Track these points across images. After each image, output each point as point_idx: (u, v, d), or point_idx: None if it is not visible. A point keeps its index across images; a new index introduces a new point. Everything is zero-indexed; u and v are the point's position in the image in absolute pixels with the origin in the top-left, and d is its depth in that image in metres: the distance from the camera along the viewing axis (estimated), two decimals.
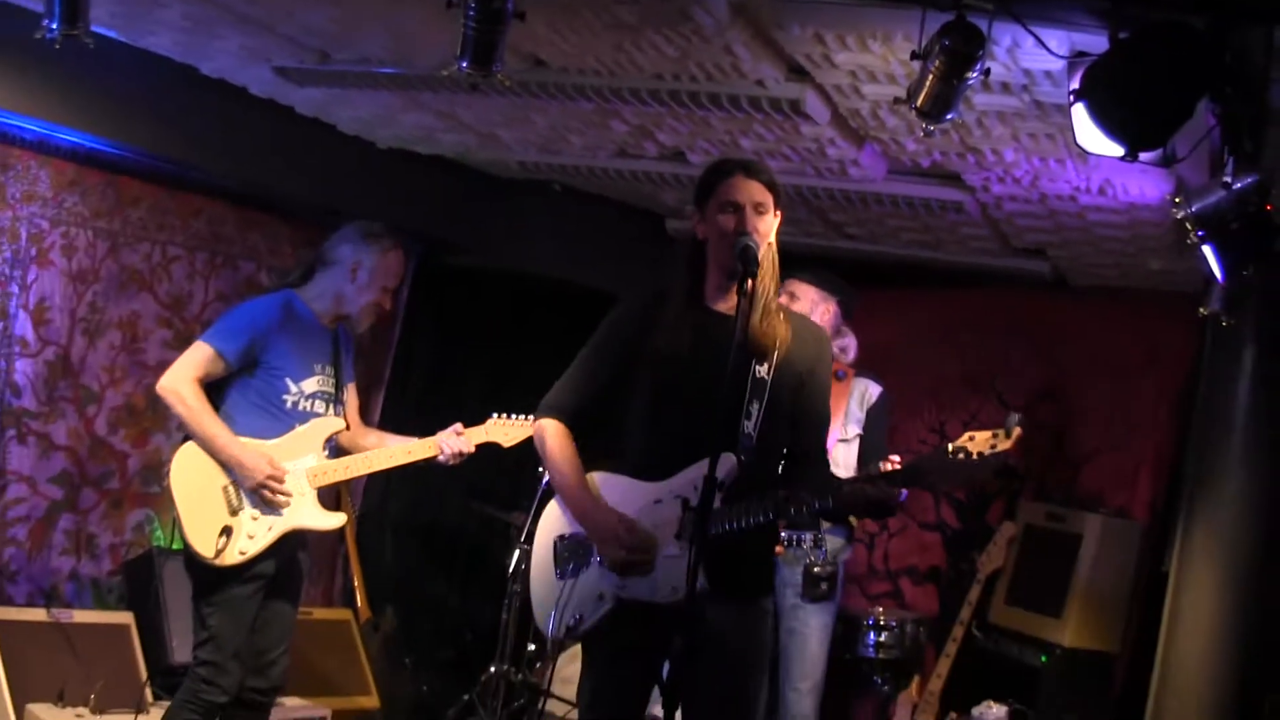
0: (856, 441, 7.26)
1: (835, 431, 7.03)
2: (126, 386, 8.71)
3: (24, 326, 8.15)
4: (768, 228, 4.98)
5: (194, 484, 6.27)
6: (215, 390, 6.42)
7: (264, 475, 6.21)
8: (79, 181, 8.30)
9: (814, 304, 7.18)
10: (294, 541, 6.47)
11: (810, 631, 7.15)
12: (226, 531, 6.19)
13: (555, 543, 5.25)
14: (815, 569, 6.96)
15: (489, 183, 9.66)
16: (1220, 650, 7.52)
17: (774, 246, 5.08)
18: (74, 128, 7.88)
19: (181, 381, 6.28)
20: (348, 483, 8.10)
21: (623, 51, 6.37)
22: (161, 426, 8.90)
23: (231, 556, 6.17)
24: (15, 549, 8.28)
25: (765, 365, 5.04)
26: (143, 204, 8.66)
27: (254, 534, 6.24)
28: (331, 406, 6.58)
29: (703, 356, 4.92)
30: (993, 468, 4.91)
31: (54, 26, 5.55)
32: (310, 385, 6.49)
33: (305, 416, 6.46)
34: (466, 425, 6.68)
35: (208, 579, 6.27)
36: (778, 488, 4.95)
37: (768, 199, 4.99)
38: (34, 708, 7.31)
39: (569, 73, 6.81)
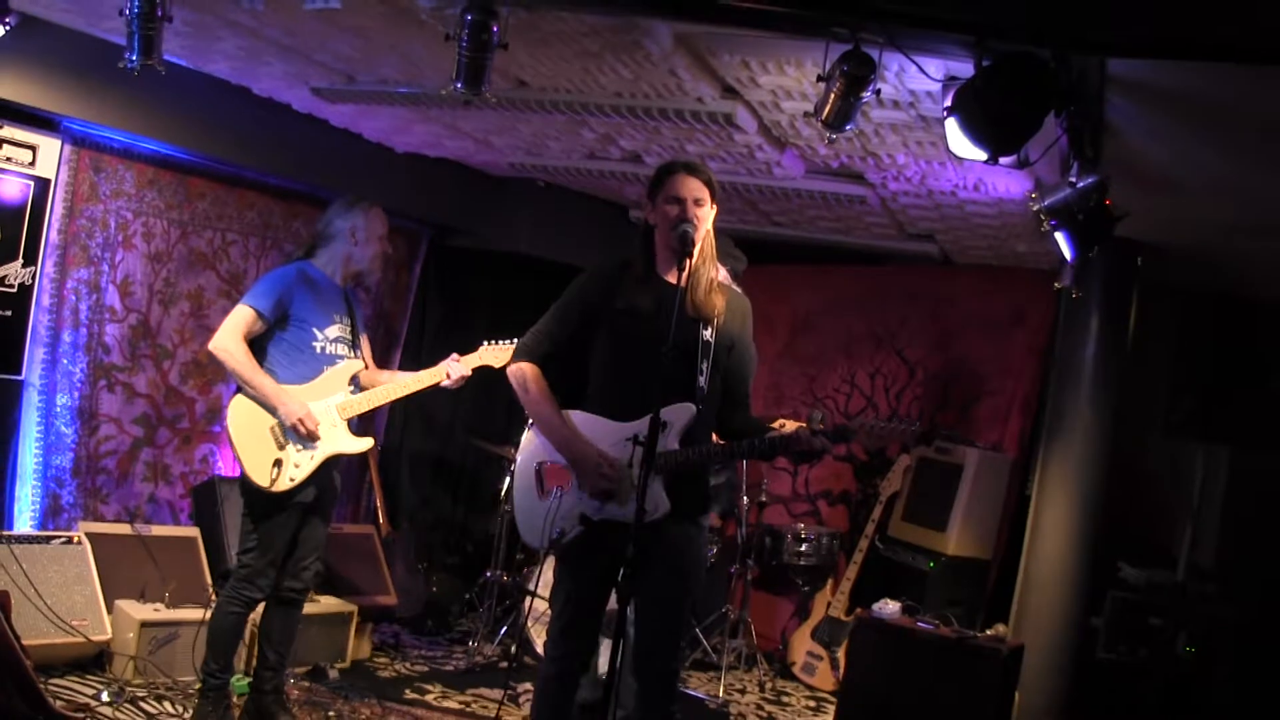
0: None
1: None
2: (194, 346, 8.72)
3: (112, 298, 8.16)
4: (704, 217, 5.06)
5: (247, 427, 6.32)
6: (259, 348, 6.42)
7: (299, 415, 6.26)
8: (156, 180, 8.30)
9: None
10: (330, 468, 6.54)
11: None
12: (278, 464, 6.28)
13: (536, 468, 5.29)
14: None
15: (486, 180, 9.66)
16: (1071, 557, 7.60)
17: (711, 233, 5.16)
18: (152, 137, 7.90)
19: (229, 340, 6.29)
20: (372, 422, 8.12)
21: (588, 74, 6.38)
22: (222, 377, 8.89)
23: (283, 484, 6.28)
24: (105, 476, 8.32)
25: (710, 330, 5.12)
26: (207, 198, 8.67)
27: (299, 463, 6.32)
28: (352, 350, 6.63)
29: (658, 317, 5.00)
30: (907, 436, 5.08)
31: (134, 59, 5.53)
32: (333, 332, 6.52)
33: (332, 359, 6.50)
34: (462, 355, 6.76)
35: (261, 502, 6.36)
36: (722, 434, 5.23)
37: (705, 194, 5.07)
38: (121, 603, 7.35)
39: (546, 91, 6.80)
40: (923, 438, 5.11)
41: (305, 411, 6.29)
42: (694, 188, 5.06)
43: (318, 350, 6.47)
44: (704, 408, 5.10)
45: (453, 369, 6.67)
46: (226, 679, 6.52)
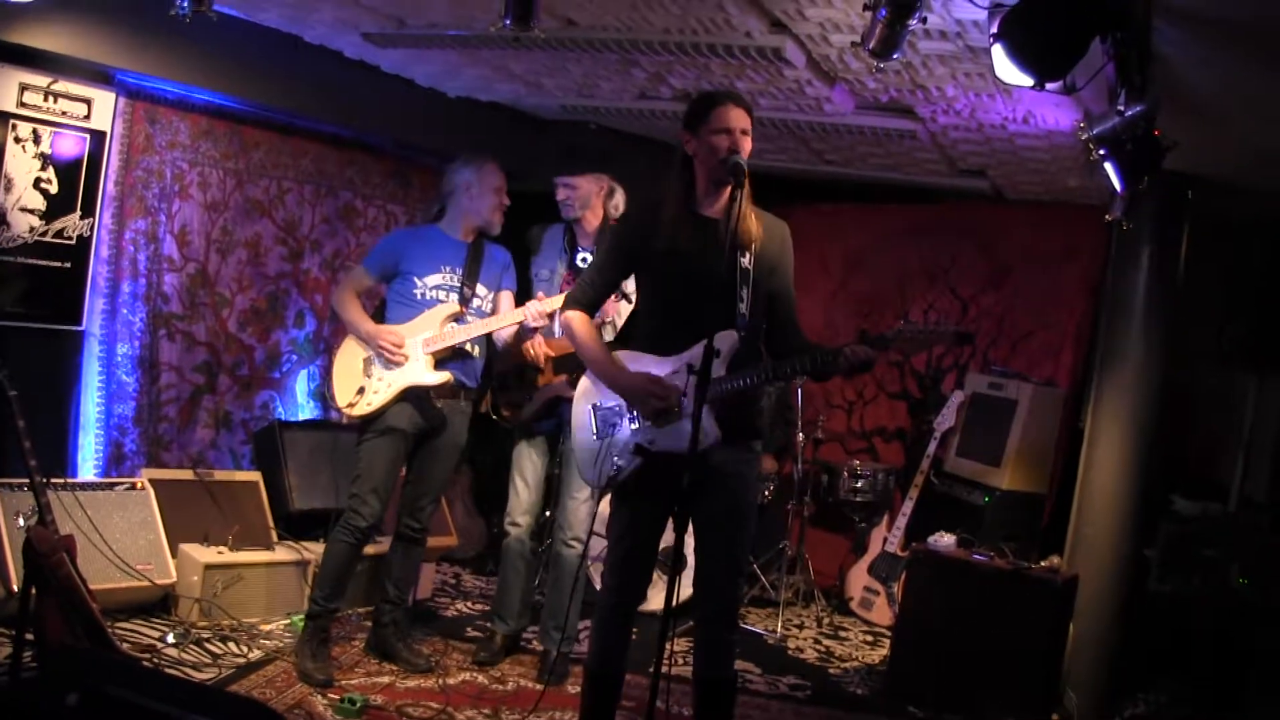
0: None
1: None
2: (252, 293, 8.80)
3: (170, 247, 8.23)
4: (748, 148, 5.06)
5: (345, 361, 6.97)
6: (383, 300, 7.20)
7: (384, 342, 6.75)
8: (211, 131, 8.38)
9: (589, 186, 7.25)
10: (429, 415, 6.92)
11: None
12: (360, 390, 6.84)
13: (591, 409, 5.33)
14: None
15: (537, 123, 9.66)
16: (1124, 489, 7.56)
17: None
18: (206, 88, 7.94)
19: (339, 292, 7.07)
20: None
21: (637, 11, 6.36)
22: (280, 324, 9.00)
23: (362, 409, 6.80)
24: (168, 424, 8.40)
25: (748, 257, 5.11)
26: (262, 147, 8.74)
27: (378, 390, 6.80)
28: (456, 297, 6.92)
29: (699, 252, 5.03)
30: (946, 338, 5.10)
31: (184, 5, 5.56)
32: (434, 280, 6.91)
33: (432, 303, 6.88)
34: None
35: (361, 432, 6.90)
36: (773, 356, 5.22)
37: (749, 125, 5.08)
38: (185, 546, 7.48)
39: (595, 30, 6.77)
40: (960, 339, 5.11)
41: (392, 337, 6.80)
42: (741, 118, 5.06)
43: (418, 296, 6.89)
44: (747, 334, 5.11)
45: (533, 308, 6.82)
46: (330, 607, 6.79)
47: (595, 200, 7.25)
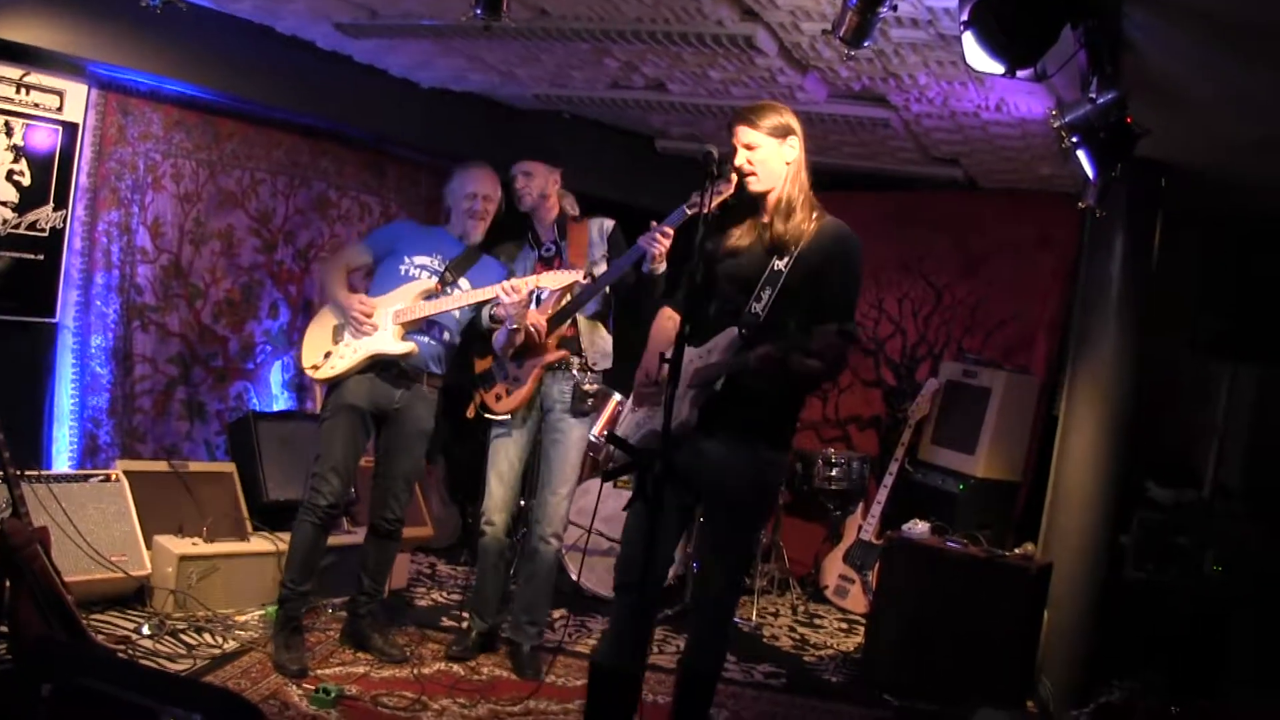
0: (604, 263, 7.17)
1: (591, 258, 7.16)
2: (226, 284, 8.78)
3: (144, 239, 8.21)
4: (761, 158, 5.25)
5: (319, 326, 7.03)
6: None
7: (354, 310, 6.81)
8: (183, 122, 8.35)
9: (545, 175, 7.24)
10: (388, 389, 6.91)
11: (571, 442, 7.11)
12: (326, 355, 6.88)
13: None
14: (584, 387, 7.00)
15: (510, 113, 9.67)
16: (1099, 477, 7.58)
17: (796, 165, 5.43)
18: (178, 79, 7.90)
19: (329, 261, 7.41)
20: None
21: (609, 0, 6.37)
22: (254, 315, 9.00)
23: (325, 372, 6.84)
24: (142, 415, 8.38)
25: (785, 259, 5.16)
26: (235, 138, 8.71)
27: (343, 355, 6.84)
28: (435, 278, 6.97)
29: (734, 251, 5.29)
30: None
31: None
32: (420, 259, 7.02)
33: (411, 278, 6.96)
34: None
35: (320, 414, 7.00)
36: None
37: (755, 138, 5.24)
38: (160, 538, 7.44)
39: (567, 19, 6.77)
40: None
41: (361, 305, 6.85)
42: (743, 135, 5.25)
43: (401, 272, 6.98)
44: (755, 333, 5.08)
45: (508, 285, 6.74)
46: (301, 590, 6.78)
47: (550, 189, 7.25)
